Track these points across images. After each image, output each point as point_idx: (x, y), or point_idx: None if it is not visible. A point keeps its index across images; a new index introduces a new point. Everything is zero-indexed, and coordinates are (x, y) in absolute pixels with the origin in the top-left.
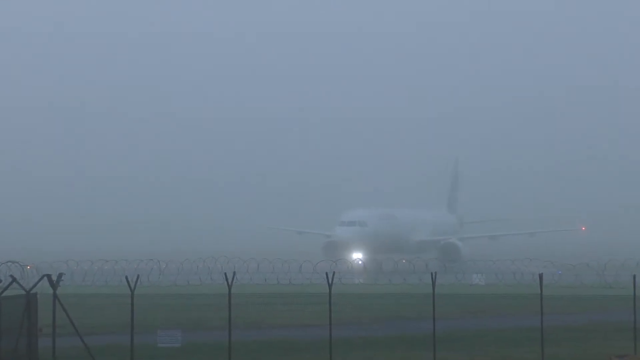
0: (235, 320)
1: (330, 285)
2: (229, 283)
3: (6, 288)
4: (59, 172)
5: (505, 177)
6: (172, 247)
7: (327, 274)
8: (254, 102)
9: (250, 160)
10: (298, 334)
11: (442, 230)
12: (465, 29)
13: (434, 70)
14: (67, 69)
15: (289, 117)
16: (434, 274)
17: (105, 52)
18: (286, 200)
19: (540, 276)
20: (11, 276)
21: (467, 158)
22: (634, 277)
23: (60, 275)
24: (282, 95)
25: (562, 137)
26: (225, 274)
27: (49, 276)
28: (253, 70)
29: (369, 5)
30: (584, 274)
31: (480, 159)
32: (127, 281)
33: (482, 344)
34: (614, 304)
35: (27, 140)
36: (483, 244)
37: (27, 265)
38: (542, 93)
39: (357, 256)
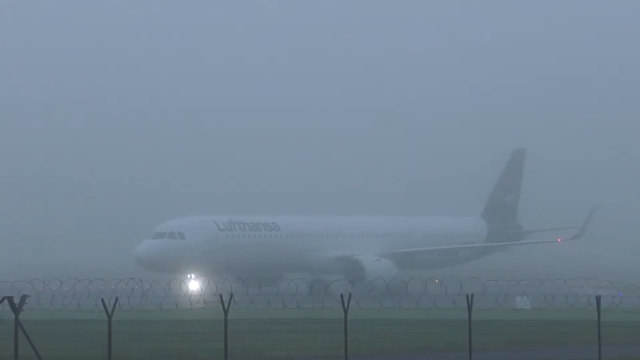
0: (232, 351)
1: (345, 310)
2: (225, 307)
3: None
4: (20, 175)
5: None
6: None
7: (341, 295)
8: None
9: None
10: None
11: (449, 241)
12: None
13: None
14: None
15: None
16: (469, 296)
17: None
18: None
19: (598, 299)
20: None
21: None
22: None
23: (23, 298)
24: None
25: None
26: (220, 295)
27: (9, 298)
28: (241, 69)
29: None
30: None
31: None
32: (104, 304)
33: None
34: None
35: None
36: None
37: None
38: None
39: (193, 279)
